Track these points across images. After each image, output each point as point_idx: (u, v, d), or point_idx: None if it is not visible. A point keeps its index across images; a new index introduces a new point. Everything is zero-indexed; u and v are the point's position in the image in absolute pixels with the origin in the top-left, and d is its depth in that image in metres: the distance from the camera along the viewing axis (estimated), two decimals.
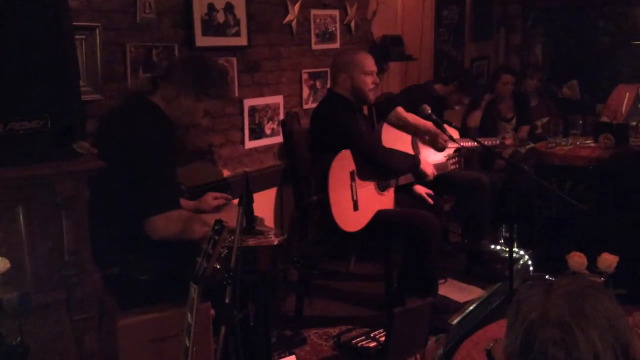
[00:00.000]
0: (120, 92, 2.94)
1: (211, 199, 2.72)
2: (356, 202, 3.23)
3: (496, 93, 5.19)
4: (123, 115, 2.45)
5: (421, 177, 3.54)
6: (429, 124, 3.65)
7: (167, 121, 2.42)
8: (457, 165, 3.81)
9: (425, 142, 3.79)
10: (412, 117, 3.68)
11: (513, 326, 1.13)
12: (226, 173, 3.64)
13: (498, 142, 4.33)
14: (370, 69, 3.34)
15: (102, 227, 2.27)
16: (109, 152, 2.23)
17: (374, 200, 3.34)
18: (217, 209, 2.74)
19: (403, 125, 3.69)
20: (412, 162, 3.48)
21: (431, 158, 3.73)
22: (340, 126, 3.25)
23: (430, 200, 3.56)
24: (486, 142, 4.12)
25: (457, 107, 4.26)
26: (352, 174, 3.24)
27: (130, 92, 2.58)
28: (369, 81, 3.33)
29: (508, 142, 4.39)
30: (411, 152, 3.71)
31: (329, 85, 3.48)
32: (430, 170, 3.53)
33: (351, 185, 3.23)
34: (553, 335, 1.07)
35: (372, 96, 3.40)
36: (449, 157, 3.76)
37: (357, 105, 3.43)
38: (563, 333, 1.06)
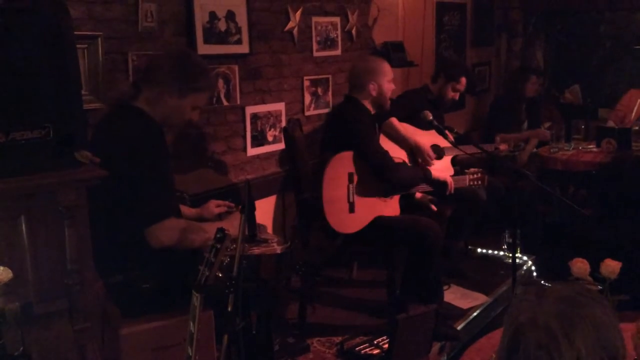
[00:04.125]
0: (109, 99, 2.91)
1: (213, 206, 2.71)
2: (352, 204, 3.22)
3: (519, 94, 5.12)
4: (109, 125, 2.40)
5: (440, 187, 3.48)
6: (418, 140, 3.63)
7: (154, 127, 2.37)
8: (480, 183, 3.60)
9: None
10: (403, 130, 3.65)
11: (504, 330, 1.14)
12: (230, 180, 3.64)
13: (493, 148, 4.29)
14: (392, 76, 3.39)
15: (104, 235, 2.27)
16: (104, 162, 2.23)
17: (375, 205, 3.32)
18: (220, 216, 2.74)
19: (394, 138, 3.66)
20: (423, 175, 3.44)
21: (444, 169, 3.69)
22: (354, 130, 3.26)
23: (433, 207, 3.55)
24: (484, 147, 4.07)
25: (456, 98, 4.18)
26: (350, 175, 3.24)
27: (114, 99, 2.51)
28: (391, 88, 3.38)
29: (503, 147, 4.36)
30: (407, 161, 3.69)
31: (347, 92, 3.48)
32: (447, 177, 3.49)
33: (348, 187, 3.22)
34: (538, 339, 1.07)
35: (388, 104, 3.42)
36: (469, 172, 3.63)
37: (375, 113, 3.44)
38: (548, 338, 1.07)
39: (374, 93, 3.35)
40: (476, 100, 5.99)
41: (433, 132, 3.61)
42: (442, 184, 3.47)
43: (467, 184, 3.60)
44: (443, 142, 3.73)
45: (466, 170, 3.66)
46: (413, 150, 3.66)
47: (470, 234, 4.26)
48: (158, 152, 2.34)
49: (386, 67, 3.39)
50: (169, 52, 2.45)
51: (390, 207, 3.40)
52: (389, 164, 3.28)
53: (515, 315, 1.13)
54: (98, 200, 2.28)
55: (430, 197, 3.61)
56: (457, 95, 4.12)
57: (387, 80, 3.36)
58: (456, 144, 3.52)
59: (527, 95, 5.15)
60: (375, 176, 3.26)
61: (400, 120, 3.68)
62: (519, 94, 5.13)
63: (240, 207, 2.07)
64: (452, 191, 3.49)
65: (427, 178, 3.43)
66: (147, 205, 2.25)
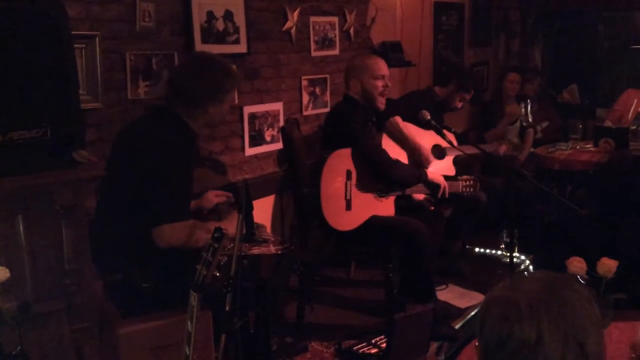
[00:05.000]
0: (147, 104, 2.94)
1: (212, 196, 2.73)
2: (349, 202, 3.23)
3: (502, 92, 5.18)
4: (146, 126, 2.45)
5: (434, 189, 3.49)
6: (419, 142, 3.63)
7: (189, 134, 2.45)
8: (472, 190, 3.60)
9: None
10: (406, 129, 3.65)
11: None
12: (228, 179, 3.64)
13: (493, 149, 4.28)
14: (380, 73, 3.35)
15: (106, 233, 2.27)
16: (124, 160, 2.24)
17: (371, 204, 3.33)
18: (219, 216, 2.74)
19: (396, 137, 3.66)
20: (417, 174, 3.44)
21: (444, 169, 3.70)
22: (350, 128, 3.26)
23: (431, 207, 3.55)
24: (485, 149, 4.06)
25: (460, 105, 4.20)
26: (348, 173, 3.24)
27: (155, 104, 2.58)
28: (379, 85, 3.34)
29: (502, 150, 4.35)
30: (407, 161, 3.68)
31: (344, 90, 3.51)
32: (441, 180, 3.49)
33: (345, 184, 3.23)
34: (504, 312, 1.09)
35: (380, 103, 3.38)
36: (462, 179, 3.62)
37: (371, 111, 3.44)
38: (512, 311, 1.08)
39: (357, 90, 3.37)
40: (474, 100, 5.99)
41: (429, 134, 3.62)
42: (436, 186, 3.48)
43: (460, 190, 3.60)
44: (445, 142, 3.74)
45: (459, 177, 3.68)
46: (413, 151, 3.67)
47: (469, 234, 4.27)
48: (187, 158, 2.40)
49: (373, 64, 3.37)
50: (193, 65, 2.50)
51: (386, 207, 3.40)
52: (386, 160, 3.30)
53: (489, 295, 1.16)
54: (105, 198, 2.30)
55: (428, 197, 3.61)
56: (462, 105, 4.14)
57: (371, 77, 3.33)
58: (460, 148, 3.53)
59: (510, 94, 5.16)
60: (373, 173, 3.27)
61: (404, 119, 3.68)
62: (500, 92, 5.17)
63: (238, 206, 2.08)
64: (447, 195, 3.50)
65: (422, 179, 3.44)
66: (165, 204, 2.28)
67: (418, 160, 3.64)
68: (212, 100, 2.44)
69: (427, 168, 3.62)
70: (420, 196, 3.61)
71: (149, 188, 2.27)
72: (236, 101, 3.64)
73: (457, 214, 3.96)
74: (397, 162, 3.41)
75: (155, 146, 2.32)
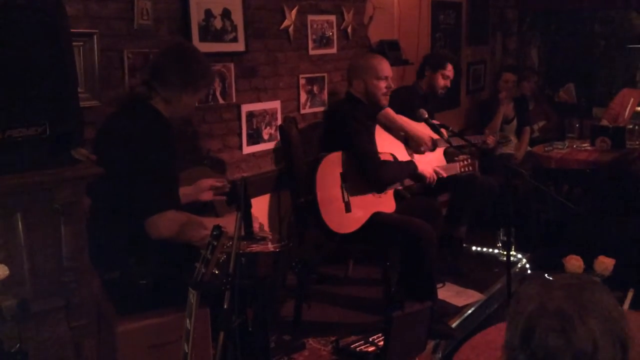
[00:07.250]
0: (117, 97, 2.94)
1: (206, 180, 2.75)
2: (348, 204, 3.24)
3: (499, 92, 5.21)
4: (122, 120, 2.46)
5: (420, 180, 3.55)
6: (415, 129, 3.66)
7: (165, 123, 2.45)
8: (471, 168, 3.69)
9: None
10: (400, 119, 3.68)
11: (512, 321, 1.15)
12: (226, 178, 3.64)
13: (480, 141, 4.31)
14: (384, 74, 3.38)
15: (103, 231, 2.28)
16: (109, 157, 2.24)
17: (370, 202, 3.33)
18: (216, 212, 2.74)
19: (391, 127, 3.68)
20: (409, 168, 3.48)
21: (435, 160, 3.73)
22: (348, 126, 3.27)
23: (408, 195, 3.59)
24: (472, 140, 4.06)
25: (447, 85, 4.21)
26: (342, 175, 3.25)
27: (127, 97, 2.59)
28: (382, 86, 3.38)
29: (490, 140, 4.38)
30: (404, 152, 3.69)
31: (347, 88, 3.54)
32: (428, 172, 3.54)
33: (342, 187, 3.23)
34: (552, 324, 1.08)
35: (384, 101, 3.42)
36: (459, 160, 3.71)
37: (372, 109, 3.45)
38: (563, 321, 1.08)
39: (360, 89, 3.38)
40: (471, 98, 6.01)
41: (424, 124, 3.64)
42: (422, 177, 3.54)
43: (459, 171, 3.67)
44: (435, 135, 3.76)
45: (456, 158, 3.73)
46: (409, 138, 3.68)
47: (472, 217, 4.21)
48: (165, 147, 2.39)
49: (377, 65, 3.39)
50: (175, 51, 2.52)
51: (386, 202, 3.42)
52: (377, 163, 3.29)
53: (524, 305, 1.14)
54: (99, 196, 2.30)
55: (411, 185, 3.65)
56: (448, 82, 4.18)
57: (374, 78, 3.36)
58: (450, 141, 3.56)
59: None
60: (363, 176, 3.27)
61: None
62: (497, 91, 5.20)
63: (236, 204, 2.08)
64: (433, 183, 3.56)
65: (413, 172, 3.47)
66: (150, 195, 2.28)
67: (415, 146, 3.67)
68: (188, 87, 2.46)
69: (422, 153, 3.65)
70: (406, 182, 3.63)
71: (134, 182, 2.28)
72: (234, 99, 3.63)
73: (456, 197, 3.97)
74: (388, 162, 3.41)
75: (133, 139, 2.32)
